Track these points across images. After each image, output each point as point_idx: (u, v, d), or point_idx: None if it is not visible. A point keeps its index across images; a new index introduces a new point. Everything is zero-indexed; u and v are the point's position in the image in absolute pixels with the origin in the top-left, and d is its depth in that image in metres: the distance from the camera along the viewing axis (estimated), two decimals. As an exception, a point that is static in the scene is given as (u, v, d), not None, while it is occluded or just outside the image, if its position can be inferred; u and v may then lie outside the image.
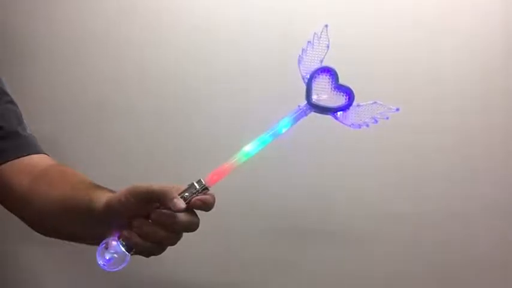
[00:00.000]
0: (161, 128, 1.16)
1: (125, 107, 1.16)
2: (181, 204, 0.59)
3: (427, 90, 1.14)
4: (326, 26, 0.63)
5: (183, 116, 1.16)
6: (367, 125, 0.63)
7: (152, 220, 0.60)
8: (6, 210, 0.77)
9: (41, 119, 1.14)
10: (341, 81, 0.63)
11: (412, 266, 1.15)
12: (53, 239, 0.75)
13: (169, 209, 0.59)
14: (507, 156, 1.14)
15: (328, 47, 0.63)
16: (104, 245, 0.61)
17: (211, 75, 1.16)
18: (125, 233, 0.60)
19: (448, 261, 1.15)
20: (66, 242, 0.71)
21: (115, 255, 0.60)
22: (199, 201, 0.60)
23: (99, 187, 0.68)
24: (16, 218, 0.75)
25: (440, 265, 1.15)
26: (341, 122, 0.63)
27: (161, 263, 1.14)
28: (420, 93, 1.14)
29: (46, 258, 1.16)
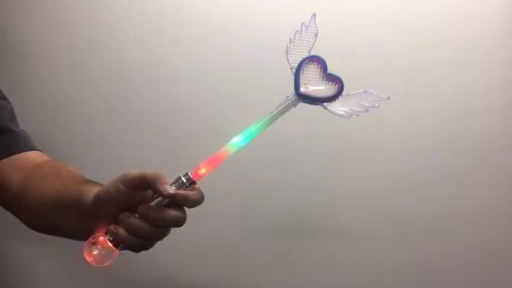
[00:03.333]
0: (161, 128, 1.15)
1: (125, 107, 1.16)
2: (170, 189, 0.58)
3: (428, 90, 1.12)
4: (314, 14, 0.61)
5: (182, 116, 1.15)
6: (358, 115, 0.61)
7: (139, 214, 0.59)
8: (6, 210, 0.76)
9: (41, 119, 1.14)
10: (331, 70, 0.62)
11: (411, 265, 1.13)
12: (53, 238, 0.74)
13: (159, 193, 0.58)
14: (508, 157, 1.12)
15: (316, 35, 0.61)
16: (91, 241, 0.60)
17: (210, 73, 1.15)
18: (112, 227, 0.59)
19: (447, 262, 1.13)
20: (66, 241, 0.71)
21: (102, 251, 0.59)
22: (180, 196, 0.59)
23: (90, 182, 0.68)
24: (16, 218, 0.75)
25: (440, 265, 1.13)
26: (331, 112, 0.61)
27: (160, 262, 1.14)
28: (422, 94, 1.12)
29: (46, 258, 1.15)
